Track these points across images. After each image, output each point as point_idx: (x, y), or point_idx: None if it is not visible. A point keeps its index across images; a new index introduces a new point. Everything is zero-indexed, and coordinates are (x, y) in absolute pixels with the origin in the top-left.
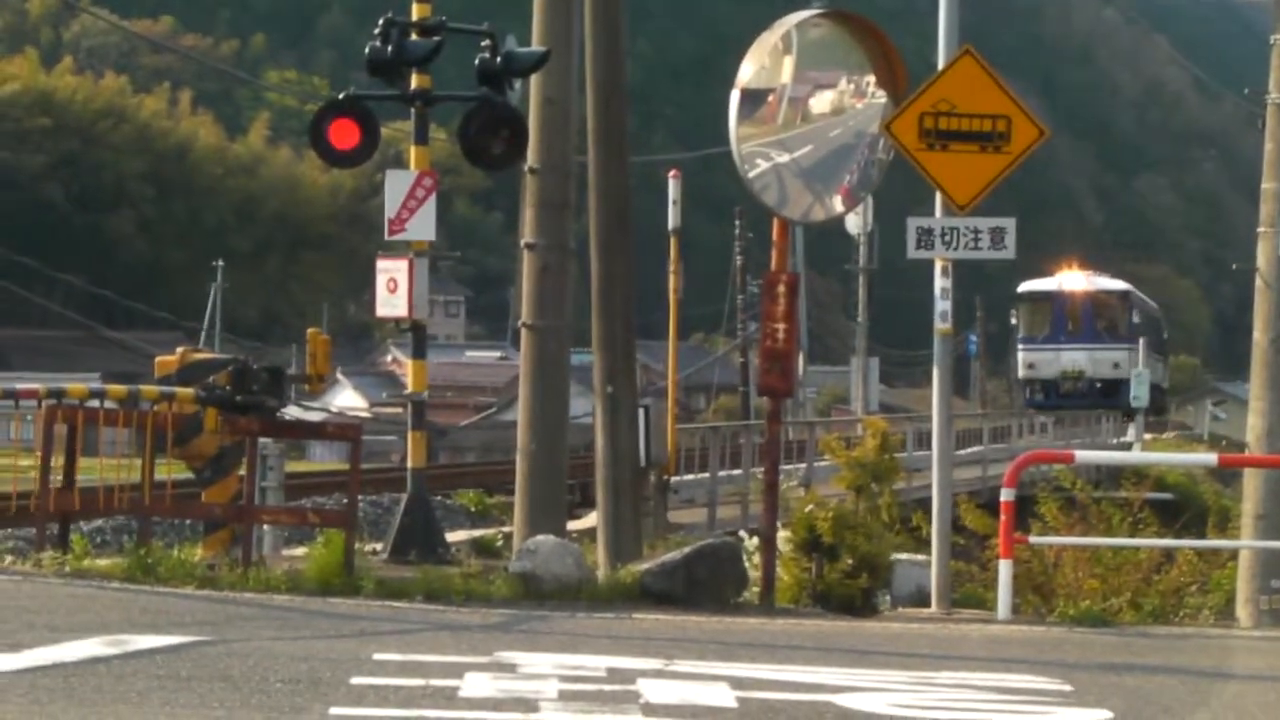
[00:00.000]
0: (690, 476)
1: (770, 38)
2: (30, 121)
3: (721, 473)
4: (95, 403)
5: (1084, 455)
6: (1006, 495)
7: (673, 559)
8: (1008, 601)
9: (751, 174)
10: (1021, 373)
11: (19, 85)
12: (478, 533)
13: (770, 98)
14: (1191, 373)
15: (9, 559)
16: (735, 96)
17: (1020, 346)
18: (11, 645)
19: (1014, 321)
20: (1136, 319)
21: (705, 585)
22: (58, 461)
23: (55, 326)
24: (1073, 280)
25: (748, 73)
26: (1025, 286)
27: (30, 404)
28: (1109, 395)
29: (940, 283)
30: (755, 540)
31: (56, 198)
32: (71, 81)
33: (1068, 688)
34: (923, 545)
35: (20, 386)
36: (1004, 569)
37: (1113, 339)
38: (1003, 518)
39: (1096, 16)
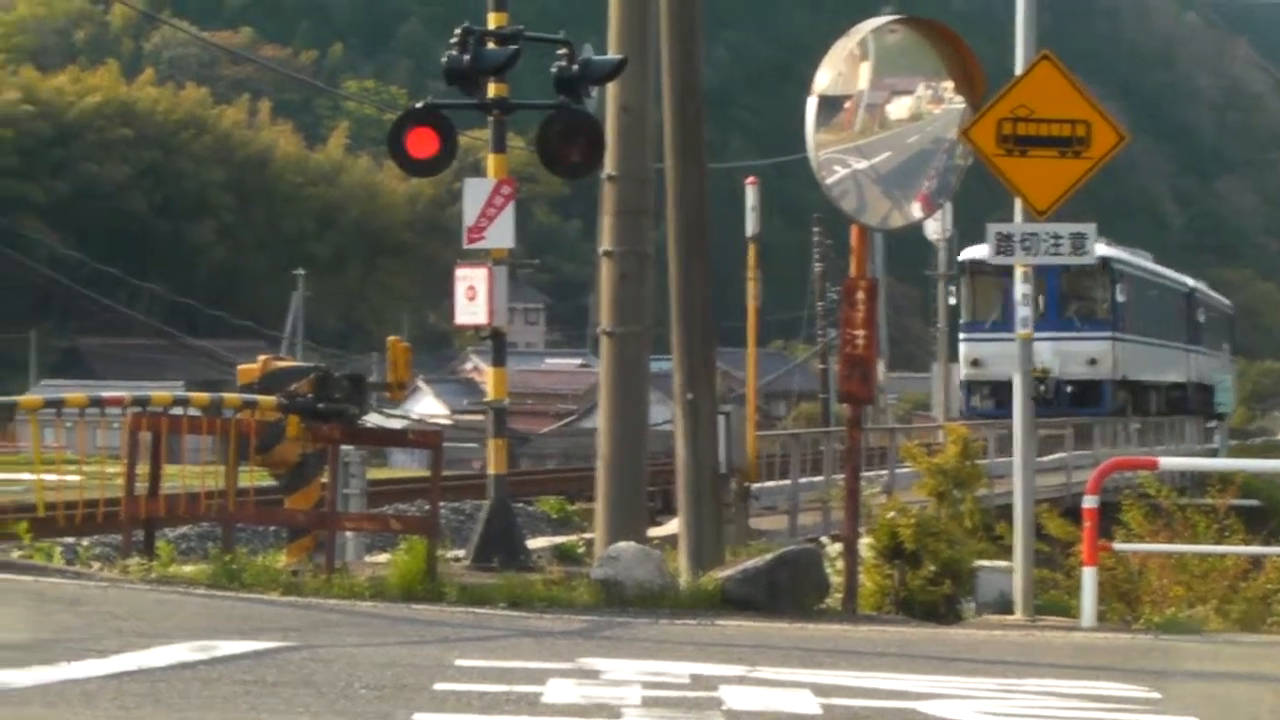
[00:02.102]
0: (771, 483)
1: (847, 44)
2: (113, 132)
3: (802, 479)
4: (179, 410)
5: (1168, 462)
6: (1090, 502)
7: (754, 565)
8: (1092, 608)
9: (829, 180)
10: (963, 372)
11: (101, 97)
12: (559, 539)
13: (847, 104)
14: (1277, 378)
15: (96, 565)
16: (812, 103)
17: (961, 336)
18: (99, 651)
19: (953, 301)
20: (1203, 318)
21: (787, 592)
22: (143, 469)
23: (139, 335)
24: None
25: (825, 79)
26: (968, 253)
27: (116, 412)
28: (1083, 402)
29: (1020, 288)
30: (837, 547)
31: (139, 208)
32: (153, 93)
33: (1155, 695)
34: (1006, 552)
35: (106, 395)
36: (1088, 576)
37: (1088, 325)
38: (1086, 524)
39: (1176, 19)
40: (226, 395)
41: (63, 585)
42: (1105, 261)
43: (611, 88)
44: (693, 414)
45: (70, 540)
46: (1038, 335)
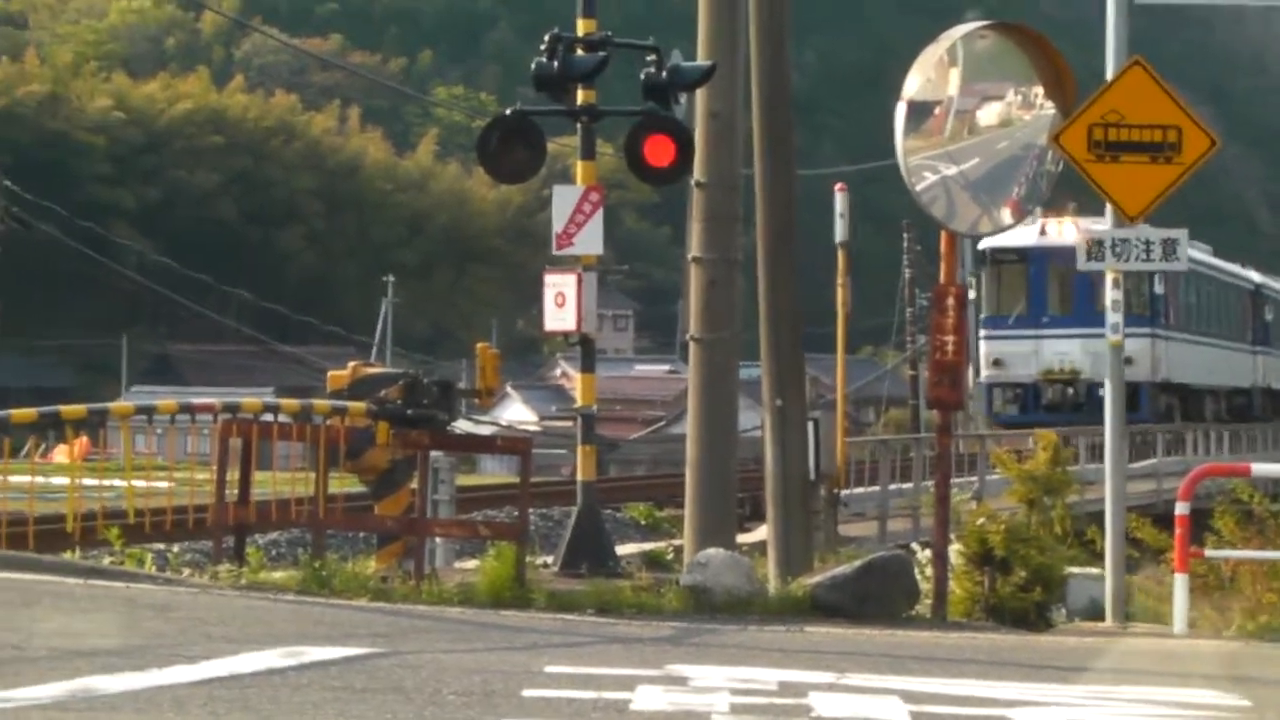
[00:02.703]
0: (860, 490)
1: (936, 50)
2: (203, 140)
3: (892, 486)
4: (269, 417)
5: (1261, 468)
6: (1181, 509)
7: (843, 572)
8: (1184, 615)
9: (919, 187)
10: (984, 372)
11: (192, 104)
12: (648, 546)
13: (937, 110)
14: None
15: (187, 572)
16: (901, 109)
17: (981, 333)
18: (189, 657)
19: (972, 295)
20: (1272, 316)
21: (876, 598)
22: (233, 475)
23: (229, 341)
24: (1063, 231)
25: (914, 85)
26: (989, 242)
27: (206, 419)
28: None
29: (1111, 294)
30: (926, 553)
31: (229, 214)
32: (243, 100)
33: (1247, 703)
34: (1096, 559)
35: (196, 401)
36: (1180, 583)
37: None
38: (1178, 531)
39: (1268, 24)
40: (316, 402)
41: (153, 591)
42: None
43: (700, 93)
44: (781, 420)
45: (161, 546)
46: (1062, 332)
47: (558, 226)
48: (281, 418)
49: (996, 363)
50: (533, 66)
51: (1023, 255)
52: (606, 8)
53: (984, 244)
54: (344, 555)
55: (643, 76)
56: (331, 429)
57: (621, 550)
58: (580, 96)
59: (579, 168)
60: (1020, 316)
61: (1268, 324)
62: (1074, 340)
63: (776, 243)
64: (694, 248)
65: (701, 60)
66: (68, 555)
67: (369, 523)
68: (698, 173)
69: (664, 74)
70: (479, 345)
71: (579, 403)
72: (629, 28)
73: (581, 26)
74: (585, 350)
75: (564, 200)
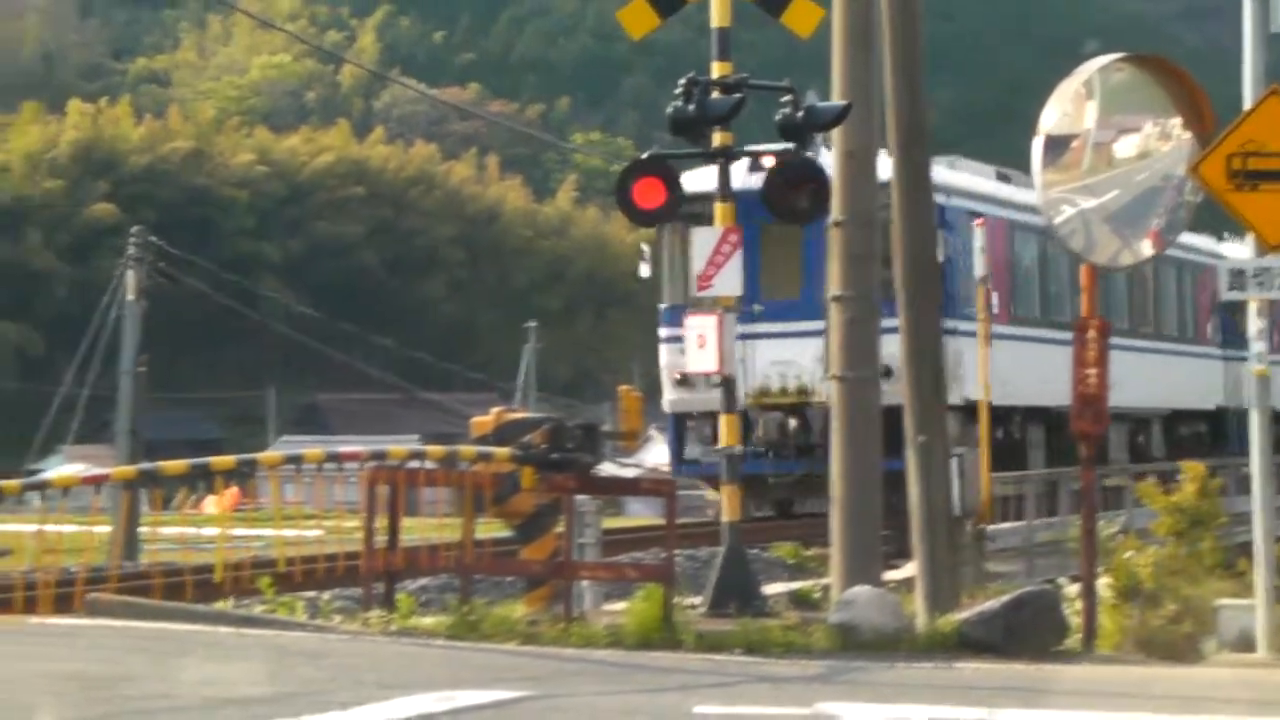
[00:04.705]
0: (1006, 525)
1: (1072, 84)
2: (345, 191)
3: (1038, 520)
4: (415, 464)
5: None
6: None
7: (991, 607)
8: None
9: (1058, 220)
10: (667, 395)
11: (333, 156)
12: (795, 585)
13: (1074, 143)
14: None
15: (337, 619)
16: (1039, 143)
17: (661, 332)
18: (341, 703)
19: (645, 271)
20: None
21: (1025, 633)
22: (381, 522)
23: (373, 390)
24: None
25: (1051, 119)
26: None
27: (353, 467)
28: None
29: (1255, 324)
30: (1075, 587)
31: (371, 264)
32: (383, 151)
33: None
34: (1248, 589)
35: (343, 450)
36: None
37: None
38: None
39: None
40: (461, 448)
41: (304, 639)
42: None
43: (836, 132)
44: (925, 456)
45: (312, 594)
46: (785, 328)
47: (697, 268)
48: (427, 464)
49: (682, 381)
50: (669, 110)
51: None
52: (740, 49)
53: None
54: (492, 599)
55: (779, 118)
56: (477, 474)
57: (769, 589)
58: (717, 139)
59: (717, 209)
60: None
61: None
62: (804, 341)
63: (916, 280)
64: (834, 286)
65: (836, 100)
66: (220, 605)
67: (516, 566)
68: (835, 212)
69: (800, 114)
70: (622, 388)
71: (722, 443)
72: (760, 67)
73: (717, 69)
74: (727, 391)
75: (703, 242)
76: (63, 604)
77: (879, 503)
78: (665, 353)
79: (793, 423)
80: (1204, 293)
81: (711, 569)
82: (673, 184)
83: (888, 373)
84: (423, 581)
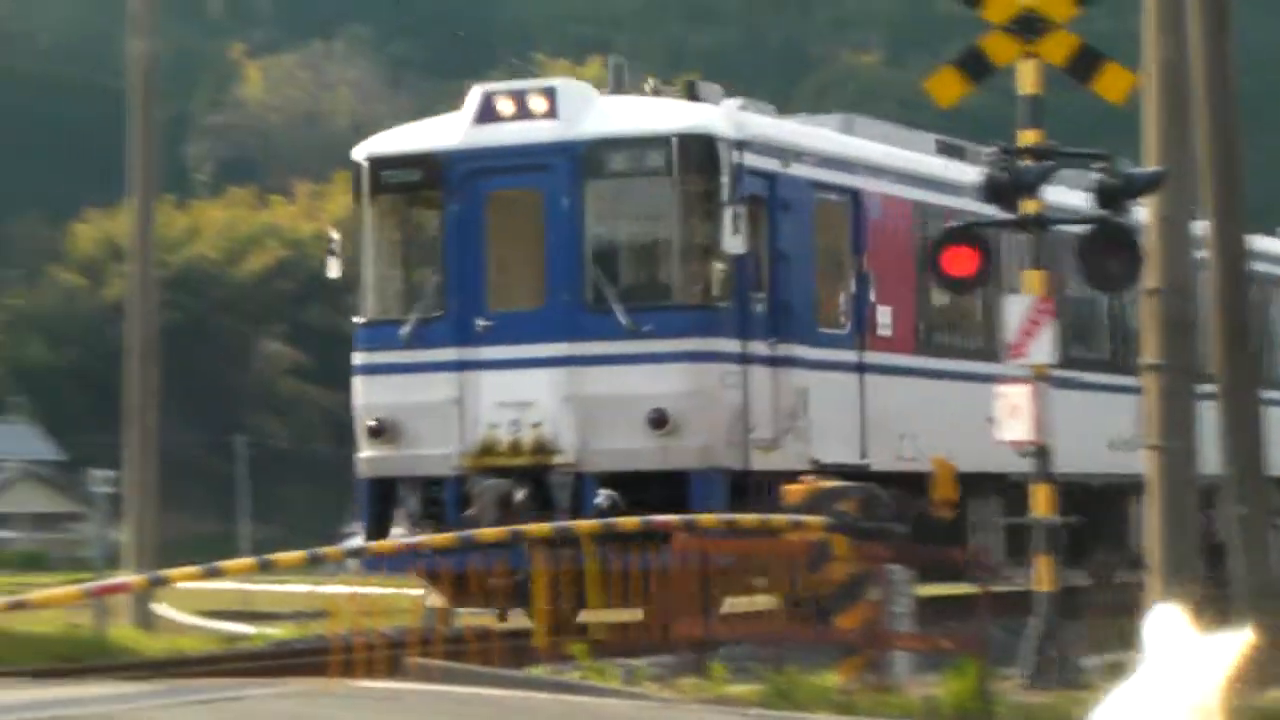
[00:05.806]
0: None
1: None
2: None
3: None
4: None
5: None
6: None
7: None
8: None
9: None
10: (362, 451)
11: None
12: (1112, 656)
13: None
14: None
15: (652, 686)
16: None
17: (356, 358)
18: None
19: (334, 273)
20: None
21: None
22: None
23: None
24: (532, 108)
25: None
26: (375, 148)
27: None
28: None
29: None
30: None
31: None
32: None
33: None
34: None
35: (655, 519)
36: None
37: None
38: None
39: None
40: (773, 517)
41: (618, 705)
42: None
43: (1151, 199)
44: (1246, 528)
45: (627, 660)
46: (518, 352)
47: (1010, 336)
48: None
49: (377, 429)
50: (982, 178)
51: (435, 172)
52: (1051, 117)
53: (363, 150)
54: (805, 668)
55: (1094, 184)
56: (790, 543)
57: (1089, 661)
58: (1028, 206)
59: (1029, 277)
60: (428, 320)
61: None
62: (547, 372)
63: (1233, 348)
64: (1148, 355)
65: (1148, 165)
66: (535, 670)
67: (830, 635)
68: (1150, 279)
69: (1117, 180)
70: (934, 457)
71: (1038, 513)
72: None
73: (1028, 137)
74: (1041, 460)
75: (1014, 310)
76: (376, 668)
77: (1197, 573)
78: (363, 387)
79: (519, 494)
80: None
81: (1023, 639)
82: (984, 251)
83: None
84: (736, 648)
